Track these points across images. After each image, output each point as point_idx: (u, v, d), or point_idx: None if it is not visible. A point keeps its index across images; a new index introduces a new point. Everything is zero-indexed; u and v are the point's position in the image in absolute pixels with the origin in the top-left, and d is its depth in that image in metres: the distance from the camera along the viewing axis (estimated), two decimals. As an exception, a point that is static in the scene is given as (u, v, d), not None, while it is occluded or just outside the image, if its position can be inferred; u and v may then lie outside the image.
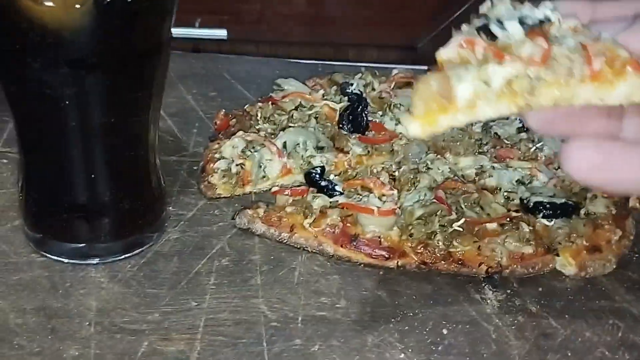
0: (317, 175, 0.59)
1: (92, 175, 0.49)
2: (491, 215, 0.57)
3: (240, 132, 0.64)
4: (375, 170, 0.62)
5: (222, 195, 0.60)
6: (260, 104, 0.70)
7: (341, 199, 0.57)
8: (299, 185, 0.61)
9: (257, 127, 0.66)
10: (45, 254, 0.52)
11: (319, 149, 0.64)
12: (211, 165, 0.62)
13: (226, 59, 0.82)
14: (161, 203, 0.55)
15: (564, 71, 0.27)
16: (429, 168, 0.62)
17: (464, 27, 0.29)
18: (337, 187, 0.58)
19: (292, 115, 0.68)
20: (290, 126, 0.66)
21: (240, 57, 0.83)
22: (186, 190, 0.60)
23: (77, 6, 0.42)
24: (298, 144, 0.63)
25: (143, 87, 0.48)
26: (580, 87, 0.27)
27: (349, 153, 0.64)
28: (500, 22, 0.28)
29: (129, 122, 0.49)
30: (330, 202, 0.57)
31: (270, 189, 0.61)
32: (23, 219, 0.53)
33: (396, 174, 0.62)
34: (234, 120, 0.68)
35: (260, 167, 0.62)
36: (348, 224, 0.55)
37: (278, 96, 0.71)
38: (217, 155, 0.62)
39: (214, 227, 0.56)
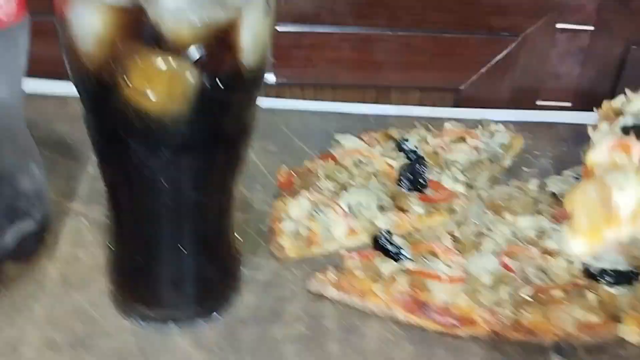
0: (386, 240, 0.61)
1: (181, 246, 0.51)
2: (555, 282, 0.58)
3: (305, 192, 0.66)
4: (436, 233, 0.63)
5: (291, 257, 0.62)
6: (320, 160, 0.72)
7: (409, 264, 0.59)
8: (365, 248, 0.63)
9: (319, 185, 0.68)
10: (131, 319, 0.54)
11: (381, 208, 0.66)
12: (279, 225, 0.64)
13: (282, 111, 0.84)
14: (238, 265, 0.58)
15: None
16: (490, 229, 0.64)
17: (604, 125, 0.27)
18: (404, 252, 0.60)
19: (352, 173, 0.70)
20: (351, 184, 0.68)
21: (294, 108, 0.85)
22: (256, 251, 0.62)
23: (180, 96, 0.44)
24: (361, 203, 0.66)
25: (234, 165, 0.50)
26: None
27: (408, 212, 0.66)
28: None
29: (218, 197, 0.51)
30: (399, 267, 0.59)
31: (336, 250, 0.63)
32: (110, 283, 0.56)
33: (456, 233, 0.63)
34: (296, 177, 0.70)
35: (327, 228, 0.64)
36: (417, 290, 0.57)
37: (337, 152, 0.73)
38: (283, 215, 0.65)
39: (287, 290, 0.59)
